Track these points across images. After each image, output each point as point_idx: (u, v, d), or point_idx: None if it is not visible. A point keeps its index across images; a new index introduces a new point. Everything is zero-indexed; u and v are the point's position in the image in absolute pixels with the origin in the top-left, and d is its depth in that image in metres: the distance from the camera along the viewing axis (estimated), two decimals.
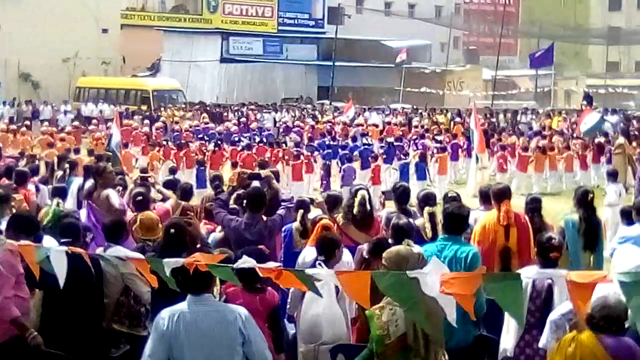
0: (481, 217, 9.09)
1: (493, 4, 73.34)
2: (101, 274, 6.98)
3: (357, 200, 9.38)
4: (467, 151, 25.45)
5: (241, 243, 8.34)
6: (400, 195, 9.73)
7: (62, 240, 7.35)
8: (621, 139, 24.28)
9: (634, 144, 25.18)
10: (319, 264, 7.07)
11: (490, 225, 8.69)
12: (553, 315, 6.11)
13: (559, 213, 11.47)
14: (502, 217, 8.69)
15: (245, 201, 8.80)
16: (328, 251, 7.32)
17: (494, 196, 9.25)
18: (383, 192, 11.49)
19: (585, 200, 9.56)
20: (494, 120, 40.81)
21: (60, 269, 5.98)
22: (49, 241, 7.60)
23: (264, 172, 10.41)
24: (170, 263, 5.39)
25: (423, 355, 5.47)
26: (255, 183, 9.52)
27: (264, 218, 8.72)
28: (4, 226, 8.86)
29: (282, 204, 9.02)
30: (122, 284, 7.29)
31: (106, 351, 6.80)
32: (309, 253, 7.95)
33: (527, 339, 6.62)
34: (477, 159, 22.06)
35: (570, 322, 5.89)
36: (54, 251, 6.03)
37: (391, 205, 10.18)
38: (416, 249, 6.40)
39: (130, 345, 7.07)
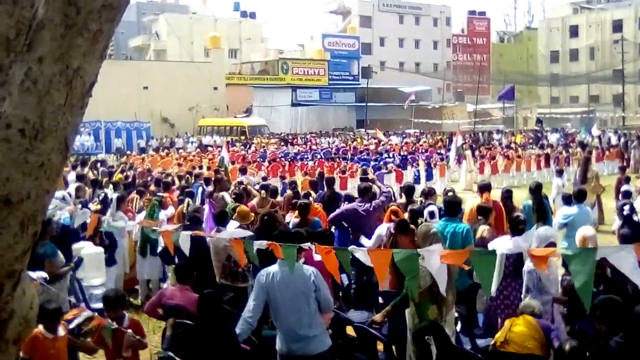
0: (467, 203, 8.97)
1: (472, 61, 73.07)
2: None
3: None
4: (457, 160, 25.05)
5: (356, 219, 8.53)
6: (406, 191, 9.65)
7: (190, 226, 7.40)
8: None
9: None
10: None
11: (474, 209, 8.55)
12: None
13: (523, 199, 11.30)
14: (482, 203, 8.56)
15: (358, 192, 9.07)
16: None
17: (479, 189, 9.17)
18: (401, 187, 11.44)
19: (537, 190, 9.45)
20: (475, 138, 40.29)
21: (185, 246, 6.20)
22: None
23: (370, 176, 10.62)
24: (256, 244, 5.36)
25: (441, 300, 5.45)
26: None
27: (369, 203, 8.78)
28: (163, 219, 9.06)
29: (383, 193, 9.03)
30: (226, 253, 7.18)
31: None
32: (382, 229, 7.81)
33: (504, 284, 6.57)
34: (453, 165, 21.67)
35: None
36: (183, 235, 6.16)
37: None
38: (432, 227, 6.29)
39: (233, 293, 7.14)
